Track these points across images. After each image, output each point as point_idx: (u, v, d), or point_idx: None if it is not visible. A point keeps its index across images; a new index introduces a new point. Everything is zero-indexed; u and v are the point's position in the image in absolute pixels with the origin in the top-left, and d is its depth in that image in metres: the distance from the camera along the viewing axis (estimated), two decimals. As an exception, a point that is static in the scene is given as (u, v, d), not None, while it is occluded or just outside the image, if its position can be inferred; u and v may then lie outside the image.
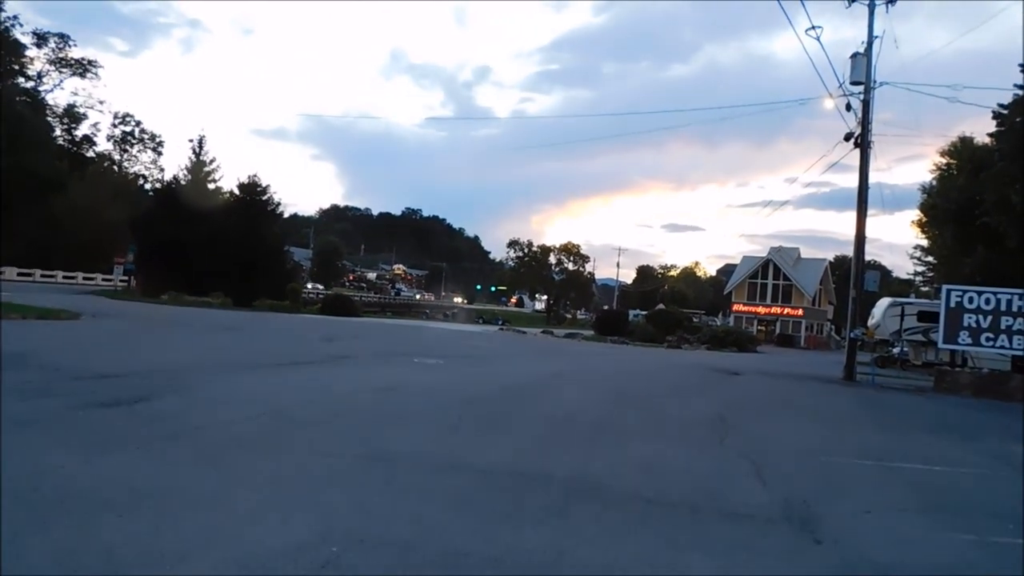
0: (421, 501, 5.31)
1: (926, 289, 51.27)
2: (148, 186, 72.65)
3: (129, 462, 5.80)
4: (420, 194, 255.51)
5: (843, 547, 5.05)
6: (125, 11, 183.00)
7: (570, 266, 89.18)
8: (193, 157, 50.41)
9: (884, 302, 36.84)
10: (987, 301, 18.83)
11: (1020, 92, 24.94)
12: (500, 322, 61.69)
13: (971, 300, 18.99)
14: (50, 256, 55.21)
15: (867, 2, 22.30)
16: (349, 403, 10.07)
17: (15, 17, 59.12)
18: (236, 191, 48.60)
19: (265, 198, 48.64)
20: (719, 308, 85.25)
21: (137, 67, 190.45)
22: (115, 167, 74.90)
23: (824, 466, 8.15)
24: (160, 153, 77.23)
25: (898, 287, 60.33)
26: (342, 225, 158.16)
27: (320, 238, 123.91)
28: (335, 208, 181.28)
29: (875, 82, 22.76)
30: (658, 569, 4.37)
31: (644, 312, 63.64)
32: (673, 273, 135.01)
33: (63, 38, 65.66)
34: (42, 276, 54.15)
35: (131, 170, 76.64)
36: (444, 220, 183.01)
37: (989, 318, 18.75)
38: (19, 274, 51.58)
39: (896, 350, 33.65)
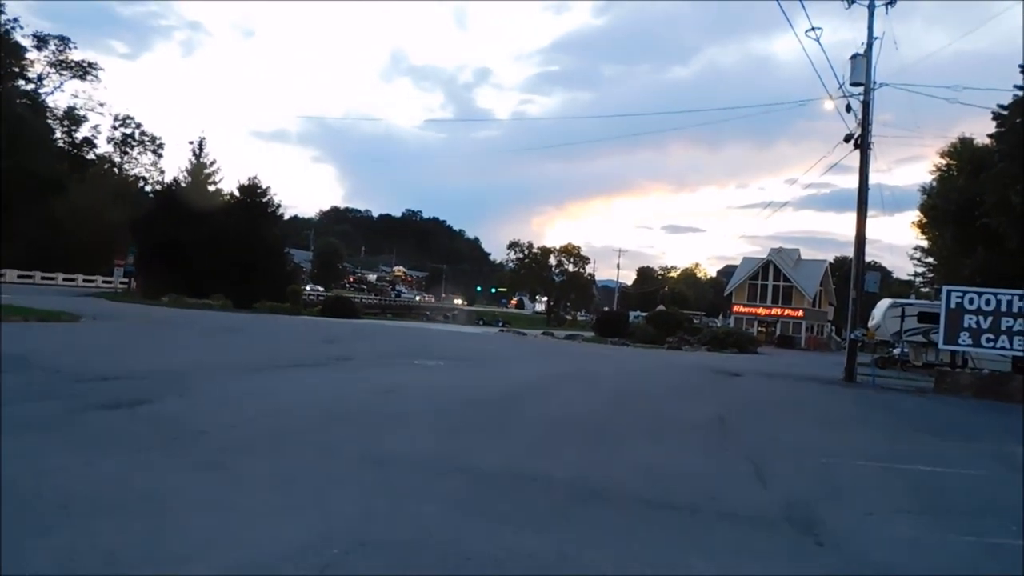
0: (422, 503, 5.31)
1: (926, 290, 51.27)
2: (148, 188, 72.60)
3: (130, 464, 5.80)
4: (420, 196, 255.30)
5: (844, 549, 5.06)
6: (125, 13, 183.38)
7: (570, 268, 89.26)
8: (193, 159, 50.47)
9: (884, 303, 36.81)
10: (987, 302, 18.82)
11: (1020, 93, 24.99)
12: (500, 324, 61.70)
13: (971, 301, 18.98)
14: (50, 258, 55.21)
15: (867, 3, 22.31)
16: (350, 405, 10.07)
17: (16, 19, 59.12)
18: (236, 193, 48.63)
19: (265, 200, 48.65)
20: (719, 309, 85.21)
21: (137, 69, 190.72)
22: (115, 169, 74.88)
23: (825, 467, 8.15)
24: (160, 155, 77.20)
25: (898, 288, 60.35)
26: (342, 227, 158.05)
27: (320, 240, 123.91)
28: (335, 210, 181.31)
29: (875, 83, 22.76)
30: (660, 571, 4.36)
31: (644, 313, 63.63)
32: (673, 274, 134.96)
33: (63, 40, 65.66)
34: (43, 278, 54.18)
35: (131, 172, 76.63)
36: (444, 222, 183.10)
37: (989, 319, 18.74)
38: (19, 276, 51.62)
39: (896, 351, 33.61)
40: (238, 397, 9.78)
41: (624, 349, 35.72)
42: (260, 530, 4.43)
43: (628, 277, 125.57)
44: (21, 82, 62.89)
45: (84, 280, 57.57)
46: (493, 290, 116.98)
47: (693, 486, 6.65)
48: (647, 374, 21.21)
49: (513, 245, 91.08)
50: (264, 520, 4.63)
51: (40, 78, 65.57)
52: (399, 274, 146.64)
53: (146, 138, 76.38)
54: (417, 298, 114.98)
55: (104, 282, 57.04)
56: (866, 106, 22.65)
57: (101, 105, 70.20)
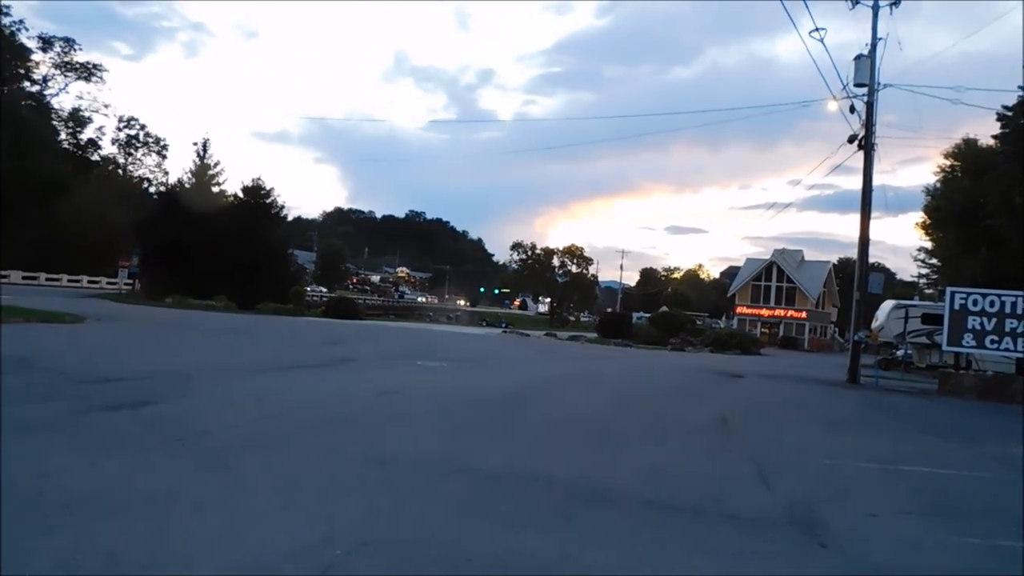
0: (425, 504, 5.32)
1: (930, 291, 51.18)
2: (152, 189, 72.80)
3: (133, 465, 5.82)
4: (423, 197, 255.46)
5: (847, 551, 5.05)
6: (129, 15, 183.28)
7: (573, 268, 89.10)
8: (197, 160, 50.60)
9: (888, 304, 36.72)
10: (991, 303, 18.78)
11: (1023, 94, 24.94)
12: (503, 325, 61.67)
13: (975, 302, 18.94)
14: (55, 259, 55.37)
15: (871, 4, 22.29)
16: (352, 406, 10.09)
17: (21, 21, 59.56)
18: (240, 194, 48.71)
19: (269, 201, 48.73)
20: (722, 310, 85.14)
21: (141, 71, 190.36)
22: (120, 170, 75.10)
23: (828, 469, 8.14)
24: (164, 156, 77.42)
25: (902, 289, 60.21)
26: (345, 228, 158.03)
27: (323, 241, 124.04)
28: (338, 211, 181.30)
29: (879, 84, 22.72)
30: (662, 572, 4.37)
31: (647, 315, 63.55)
32: (676, 275, 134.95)
33: (68, 42, 66.01)
34: (47, 279, 54.33)
35: (135, 173, 76.85)
36: (447, 223, 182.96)
37: (993, 320, 18.70)
38: (24, 277, 51.76)
39: (900, 353, 33.53)
40: (241, 398, 9.80)
41: (627, 350, 35.70)
42: (263, 530, 4.44)
43: (631, 278, 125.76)
44: (26, 84, 63.23)
45: (88, 281, 57.72)
46: (496, 291, 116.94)
47: (696, 487, 6.64)
48: (650, 375, 21.20)
49: (516, 246, 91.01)
50: (267, 520, 4.64)
51: (45, 79, 66.02)
52: (402, 275, 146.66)
53: (150, 139, 76.67)
54: (420, 299, 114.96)
55: (108, 283, 57.20)
56: (870, 107, 22.62)
57: (105, 106, 70.68)
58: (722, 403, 14.56)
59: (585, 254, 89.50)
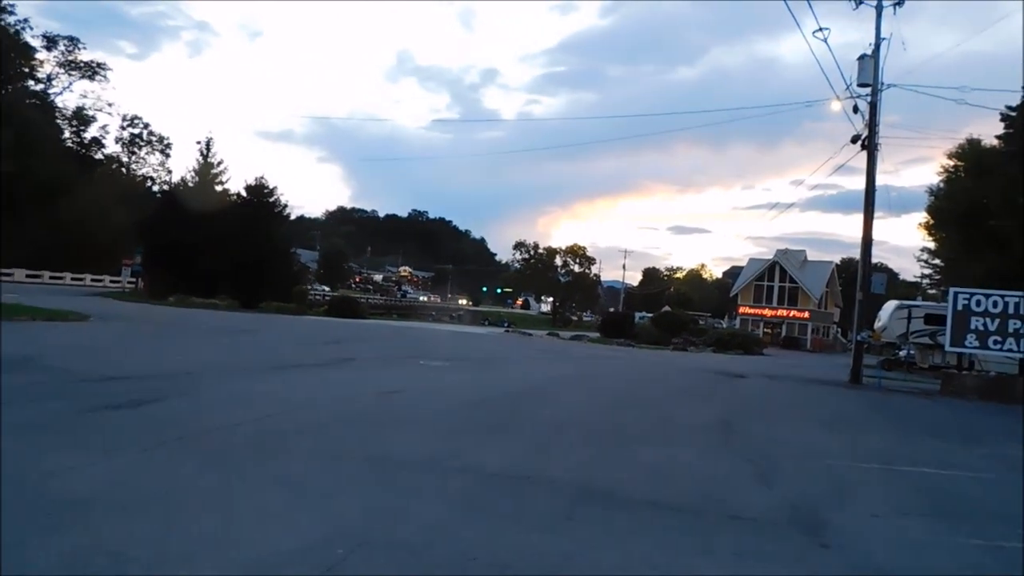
0: (427, 504, 5.33)
1: (933, 292, 51.10)
2: (156, 188, 72.90)
3: (137, 464, 5.84)
4: (426, 196, 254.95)
5: (850, 551, 5.05)
6: (133, 14, 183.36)
7: (576, 268, 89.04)
8: (201, 159, 50.61)
9: (891, 305, 36.68)
10: (994, 304, 18.76)
11: (1027, 94, 24.90)
12: (506, 324, 61.64)
13: (978, 303, 18.92)
14: (59, 257, 55.51)
15: (874, 4, 22.25)
16: (355, 406, 10.11)
17: (25, 20, 59.59)
18: (243, 193, 48.75)
19: (272, 200, 48.76)
20: (725, 310, 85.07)
21: (145, 69, 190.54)
22: (123, 169, 75.23)
23: (830, 470, 8.14)
24: (168, 155, 77.46)
25: (905, 290, 60.18)
26: (348, 227, 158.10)
27: (326, 240, 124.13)
28: (341, 210, 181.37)
29: (882, 84, 22.68)
30: (664, 572, 4.37)
31: (650, 314, 63.54)
32: (679, 275, 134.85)
33: (72, 41, 66.09)
34: (51, 278, 54.49)
35: (139, 172, 77.01)
36: (450, 222, 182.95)
37: (996, 321, 18.68)
38: (28, 276, 51.91)
39: (903, 353, 33.52)
40: (244, 397, 9.82)
41: (629, 350, 35.68)
42: (265, 529, 4.46)
43: (634, 278, 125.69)
44: (31, 83, 63.34)
45: (92, 280, 57.88)
46: (499, 290, 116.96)
47: (698, 488, 6.65)
48: (652, 375, 21.20)
49: (519, 245, 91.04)
50: (269, 520, 4.65)
51: (49, 78, 66.10)
52: (405, 274, 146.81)
53: (154, 138, 76.72)
54: (423, 298, 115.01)
55: (112, 281, 57.35)
56: (873, 107, 22.59)
57: (109, 105, 70.65)
58: (724, 403, 14.57)
59: (588, 254, 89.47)
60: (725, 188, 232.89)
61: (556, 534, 4.85)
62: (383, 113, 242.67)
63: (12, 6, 57.43)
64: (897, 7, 22.34)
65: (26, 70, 62.25)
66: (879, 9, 22.27)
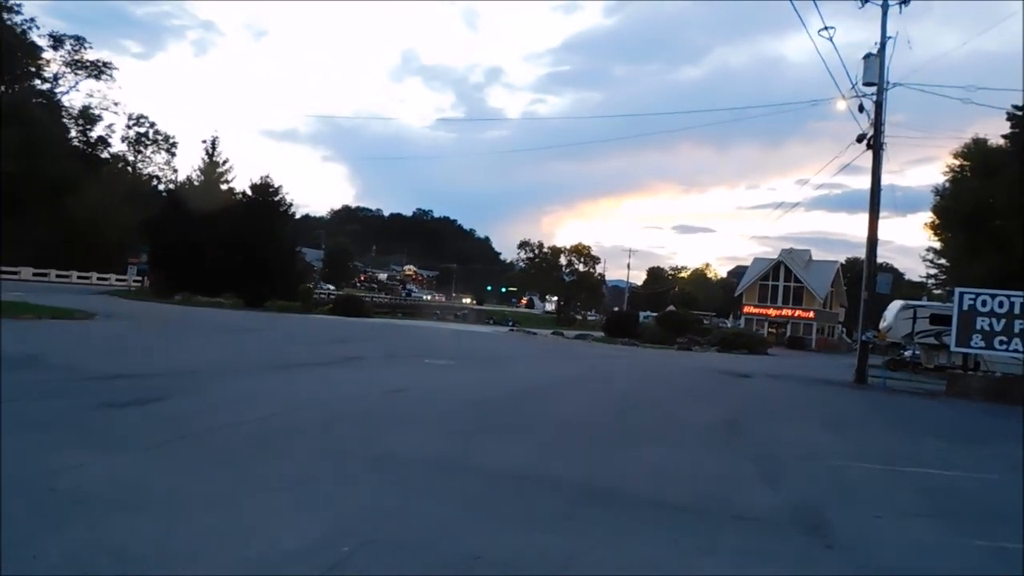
0: (432, 503, 5.34)
1: (938, 292, 50.93)
2: (162, 187, 73.11)
3: (141, 462, 5.86)
4: (431, 195, 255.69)
5: (854, 552, 5.04)
6: (139, 13, 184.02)
7: (580, 267, 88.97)
8: (206, 158, 50.72)
9: (896, 305, 36.56)
10: (1000, 304, 18.67)
11: (1034, 93, 24.77)
12: (510, 323, 61.63)
13: (984, 303, 18.83)
14: (65, 256, 55.70)
15: (880, 3, 22.16)
16: (360, 405, 10.13)
17: (32, 20, 59.82)
18: (248, 192, 48.84)
19: (277, 199, 48.83)
20: (729, 310, 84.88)
21: (151, 69, 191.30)
22: (129, 168, 75.43)
23: (834, 470, 8.13)
24: (174, 154, 77.68)
25: (910, 290, 59.99)
26: (353, 226, 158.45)
27: (331, 239, 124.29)
28: (346, 209, 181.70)
29: (888, 83, 22.60)
30: (667, 572, 4.37)
31: (654, 314, 63.49)
32: (684, 275, 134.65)
33: (79, 40, 66.29)
34: (57, 276, 54.70)
35: (145, 171, 77.21)
36: (455, 221, 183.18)
37: (1002, 321, 18.60)
38: (35, 274, 52.11)
39: (908, 353, 33.42)
40: (248, 396, 9.85)
41: (634, 350, 35.65)
42: (270, 527, 4.47)
43: (638, 277, 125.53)
44: (37, 82, 63.57)
45: (98, 278, 58.06)
46: (503, 290, 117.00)
47: (701, 488, 6.65)
48: (656, 375, 21.18)
49: (523, 245, 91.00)
50: (273, 518, 4.67)
51: (56, 77, 66.33)
52: (409, 273, 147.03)
53: (160, 137, 76.97)
54: (427, 297, 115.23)
55: (118, 280, 57.53)
56: (879, 106, 22.51)
57: (115, 104, 70.89)
58: (728, 403, 14.55)
59: (592, 253, 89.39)
60: (730, 187, 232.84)
61: (559, 533, 4.85)
62: (388, 112, 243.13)
63: (19, 6, 57.75)
64: (903, 6, 22.24)
65: (33, 69, 62.51)
66: (885, 8, 22.17)
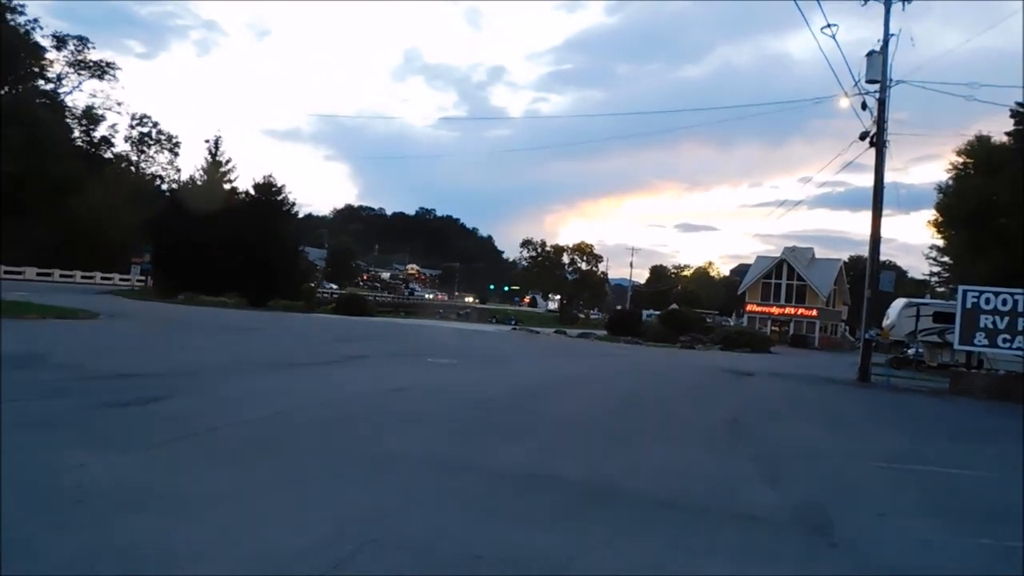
0: (434, 502, 5.35)
1: (942, 290, 50.80)
2: (165, 187, 73.21)
3: (145, 461, 5.87)
4: (434, 194, 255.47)
5: (858, 551, 5.04)
6: (142, 13, 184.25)
7: (583, 266, 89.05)
8: (209, 158, 50.79)
9: (899, 303, 36.46)
10: (1004, 302, 18.61)
11: (1038, 91, 24.69)
12: (513, 322, 61.67)
13: (987, 301, 18.78)
14: (69, 256, 55.80)
15: (883, 0, 22.10)
16: (363, 404, 10.14)
17: (35, 20, 59.93)
18: (251, 191, 48.88)
19: (280, 198, 48.86)
20: (732, 308, 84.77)
21: (154, 69, 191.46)
22: (132, 168, 75.55)
23: (838, 469, 8.12)
24: (177, 154, 77.78)
25: (913, 288, 59.78)
26: (356, 225, 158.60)
27: (334, 238, 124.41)
28: (349, 208, 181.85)
29: (891, 81, 22.53)
30: (670, 571, 4.37)
31: (657, 312, 63.47)
32: (686, 273, 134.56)
33: (82, 40, 66.39)
34: (61, 276, 54.83)
35: (148, 171, 77.32)
36: (458, 220, 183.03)
37: (1006, 319, 18.55)
38: (39, 274, 52.24)
39: (911, 351, 33.33)
40: (251, 395, 9.87)
41: (637, 348, 35.65)
42: (273, 526, 4.48)
43: (641, 276, 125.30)
44: (40, 82, 63.69)
45: (102, 278, 58.19)
46: (506, 288, 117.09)
47: (705, 487, 6.64)
48: (659, 374, 21.17)
49: (526, 243, 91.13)
50: (277, 517, 4.68)
51: (59, 77, 66.45)
52: (412, 272, 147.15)
53: (162, 137, 77.09)
54: (430, 296, 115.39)
55: (121, 280, 57.65)
56: (882, 104, 22.46)
57: (118, 104, 71.03)
58: (732, 402, 14.54)
59: (595, 252, 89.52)
60: (733, 186, 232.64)
61: (561, 533, 4.85)
62: (390, 111, 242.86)
63: (22, 6, 57.83)
64: (905, 3, 22.18)
65: (36, 70, 62.64)
66: (888, 5, 22.11)
